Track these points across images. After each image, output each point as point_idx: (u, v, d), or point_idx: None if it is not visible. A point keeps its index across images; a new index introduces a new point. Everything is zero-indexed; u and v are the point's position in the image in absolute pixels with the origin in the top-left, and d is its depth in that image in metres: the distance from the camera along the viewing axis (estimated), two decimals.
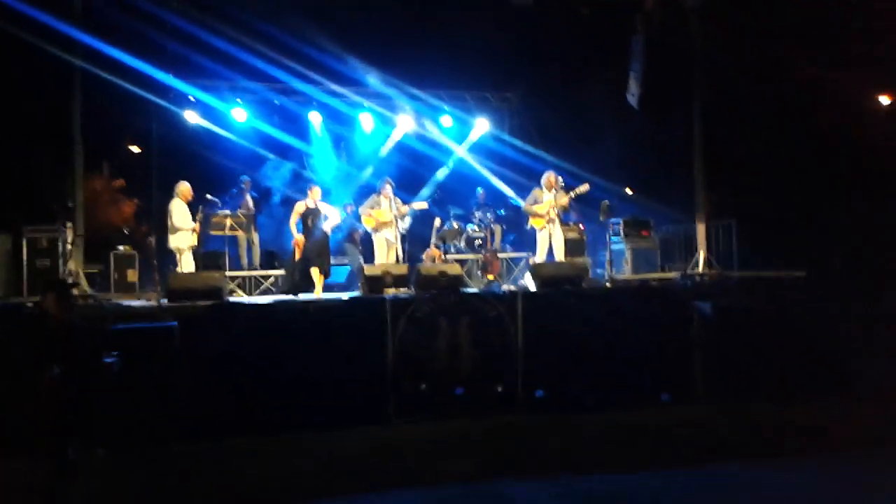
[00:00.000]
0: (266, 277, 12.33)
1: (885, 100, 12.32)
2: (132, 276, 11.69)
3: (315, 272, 10.55)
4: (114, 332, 7.15)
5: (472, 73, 15.53)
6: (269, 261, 13.29)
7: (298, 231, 10.71)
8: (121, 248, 11.90)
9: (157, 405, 7.14)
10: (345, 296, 9.77)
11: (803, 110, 11.91)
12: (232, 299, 9.77)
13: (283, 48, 13.65)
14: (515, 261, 13.68)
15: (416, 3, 14.07)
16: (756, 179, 12.19)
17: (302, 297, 10.00)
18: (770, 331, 8.76)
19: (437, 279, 9.42)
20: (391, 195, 11.20)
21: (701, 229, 10.28)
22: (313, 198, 10.86)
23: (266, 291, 11.90)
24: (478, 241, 13.83)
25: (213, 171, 14.06)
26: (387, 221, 11.05)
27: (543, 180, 11.17)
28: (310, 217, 10.71)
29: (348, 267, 12.90)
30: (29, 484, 6.13)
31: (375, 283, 9.42)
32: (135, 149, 15.25)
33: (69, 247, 8.95)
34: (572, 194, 11.00)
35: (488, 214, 14.14)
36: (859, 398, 8.18)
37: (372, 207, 11.16)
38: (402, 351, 8.40)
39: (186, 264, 10.41)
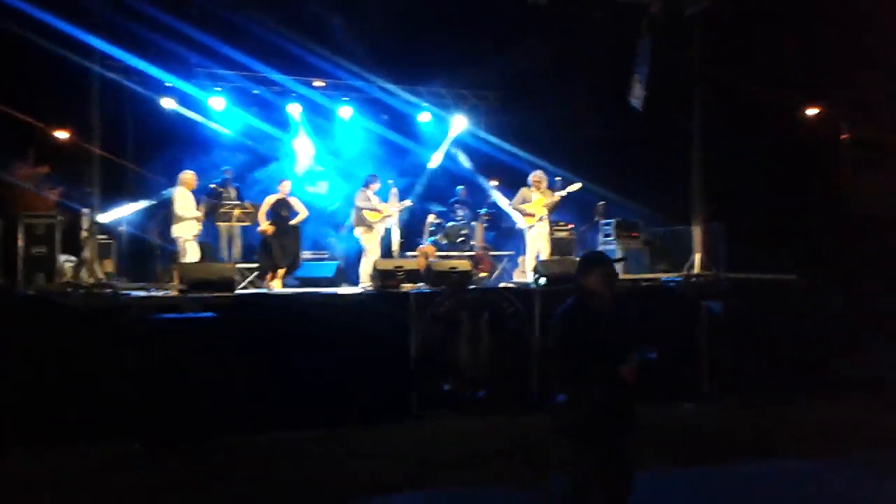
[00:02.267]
0: (251, 270, 12.08)
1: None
2: (108, 265, 11.30)
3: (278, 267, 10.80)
4: (153, 322, 6.91)
5: (451, 71, 15.62)
6: (248, 254, 13.06)
7: (267, 219, 10.93)
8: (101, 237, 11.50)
9: (195, 397, 6.91)
10: (356, 290, 9.68)
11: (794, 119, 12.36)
12: (253, 290, 9.61)
13: (260, 40, 13.43)
14: (497, 258, 13.78)
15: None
16: (744, 184, 12.61)
17: (329, 289, 9.90)
18: (775, 331, 9.08)
19: (447, 274, 9.43)
20: (388, 189, 11.21)
21: (697, 231, 10.55)
22: (283, 191, 11.15)
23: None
24: (460, 239, 13.86)
25: (191, 160, 13.69)
26: (387, 216, 11.03)
27: (531, 179, 11.28)
28: (281, 209, 11.02)
29: (336, 262, 12.76)
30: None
31: (388, 278, 9.35)
32: (63, 134, 14.67)
33: (85, 234, 8.57)
34: (564, 192, 11.16)
35: (469, 212, 14.23)
36: (865, 396, 8.54)
37: (367, 201, 11.09)
38: (424, 345, 8.38)
39: (191, 253, 10.14)
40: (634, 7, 10.91)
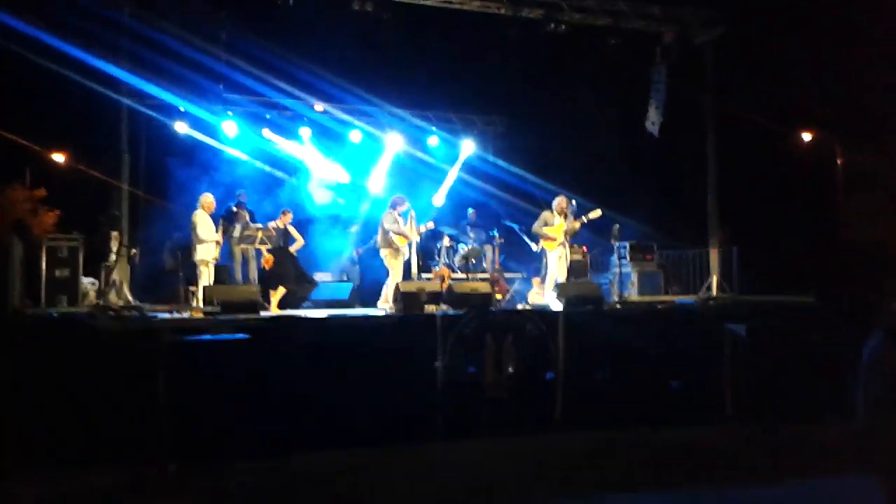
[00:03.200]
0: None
1: None
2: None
3: (276, 295, 11.26)
4: (186, 343, 6.94)
5: (459, 96, 15.84)
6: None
7: (269, 250, 11.62)
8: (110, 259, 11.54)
9: (228, 420, 6.92)
10: (381, 312, 9.73)
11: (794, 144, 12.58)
12: (284, 312, 9.71)
13: (272, 66, 13.61)
14: (509, 281, 13.89)
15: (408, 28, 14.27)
16: (749, 207, 12.78)
17: (355, 311, 10.12)
18: (797, 352, 9.14)
19: (469, 297, 9.50)
20: (408, 212, 11.28)
21: (714, 254, 10.71)
22: (284, 220, 11.82)
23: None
24: (472, 261, 13.95)
25: (203, 185, 13.77)
26: (412, 240, 11.12)
27: (555, 205, 11.41)
28: (280, 238, 11.67)
29: (350, 284, 12.85)
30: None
31: (411, 300, 9.41)
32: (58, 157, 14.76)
33: (113, 256, 8.61)
34: (584, 219, 11.29)
35: (481, 234, 14.36)
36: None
37: (394, 224, 11.14)
38: (451, 367, 8.42)
39: (208, 276, 10.20)
40: (648, 36, 11.16)
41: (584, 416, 8.77)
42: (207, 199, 10.62)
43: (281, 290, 11.35)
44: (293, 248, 11.84)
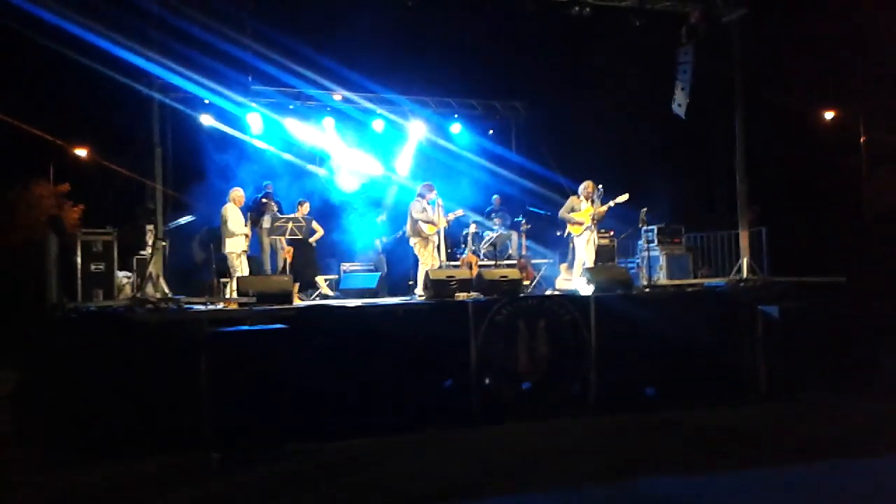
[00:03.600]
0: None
1: None
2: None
3: (320, 280, 11.86)
4: (224, 334, 7.04)
5: (481, 82, 15.80)
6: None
7: (287, 242, 11.85)
8: (142, 252, 11.67)
9: (268, 408, 7.02)
10: (414, 300, 9.80)
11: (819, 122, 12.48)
12: (321, 302, 9.83)
13: (295, 55, 13.60)
14: (536, 267, 13.91)
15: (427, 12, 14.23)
16: (776, 188, 12.73)
17: (389, 300, 10.26)
18: (829, 332, 9.16)
19: (499, 283, 9.53)
20: (435, 200, 11.28)
21: (744, 236, 10.66)
22: (302, 212, 12.00)
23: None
24: (498, 248, 13.97)
25: (227, 176, 13.86)
26: (440, 227, 11.15)
27: (581, 189, 11.38)
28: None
29: (377, 273, 12.92)
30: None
31: (441, 288, 9.46)
32: (81, 151, 14.86)
33: (149, 249, 8.71)
34: (611, 203, 11.25)
35: (506, 220, 14.38)
36: None
37: (422, 213, 11.16)
38: (484, 353, 8.48)
39: (242, 268, 10.31)
40: (674, 16, 11.08)
41: (618, 400, 8.84)
42: (237, 192, 10.75)
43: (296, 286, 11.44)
44: (313, 240, 12.01)
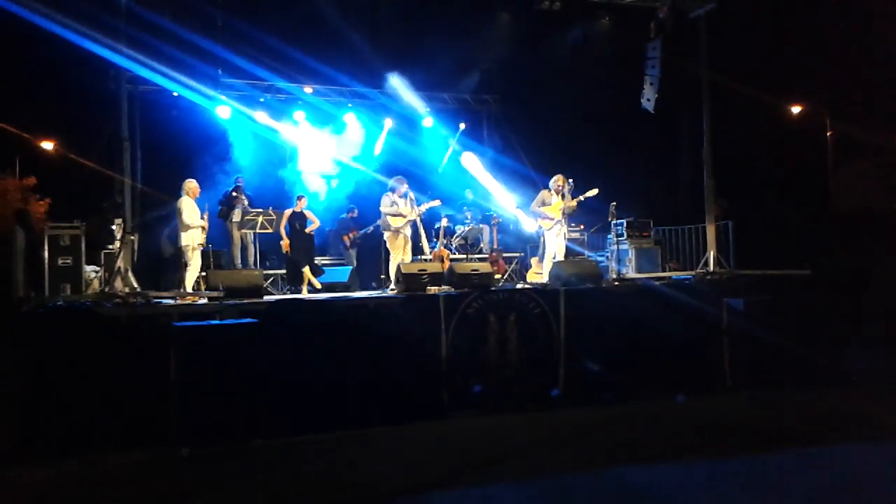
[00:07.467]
0: (266, 277, 12.23)
1: None
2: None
3: (307, 271, 11.82)
4: (193, 328, 7.02)
5: (451, 76, 15.84)
6: (262, 261, 13.29)
7: (287, 234, 11.93)
8: (110, 246, 11.56)
9: (235, 402, 7.01)
10: (384, 294, 9.80)
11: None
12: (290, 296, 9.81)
13: (266, 48, 13.51)
14: (507, 260, 14.00)
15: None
16: (750, 183, 12.91)
17: (360, 293, 10.31)
18: (794, 325, 9.33)
19: (470, 277, 9.57)
20: (407, 193, 11.31)
21: (711, 230, 10.80)
22: (300, 205, 12.21)
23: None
24: (470, 241, 14.04)
25: (197, 169, 13.74)
26: (410, 220, 11.15)
27: (552, 183, 11.46)
28: (296, 221, 11.98)
29: (349, 267, 12.94)
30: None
31: (413, 281, 9.48)
32: (47, 145, 14.64)
33: (118, 243, 8.63)
34: (581, 198, 11.34)
35: (477, 214, 14.44)
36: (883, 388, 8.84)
37: (391, 206, 11.17)
38: (455, 346, 8.52)
39: (195, 262, 10.28)
40: (642, 11, 11.18)
41: (587, 391, 8.95)
42: (191, 184, 10.59)
43: (307, 273, 11.85)
44: (309, 230, 12.12)
